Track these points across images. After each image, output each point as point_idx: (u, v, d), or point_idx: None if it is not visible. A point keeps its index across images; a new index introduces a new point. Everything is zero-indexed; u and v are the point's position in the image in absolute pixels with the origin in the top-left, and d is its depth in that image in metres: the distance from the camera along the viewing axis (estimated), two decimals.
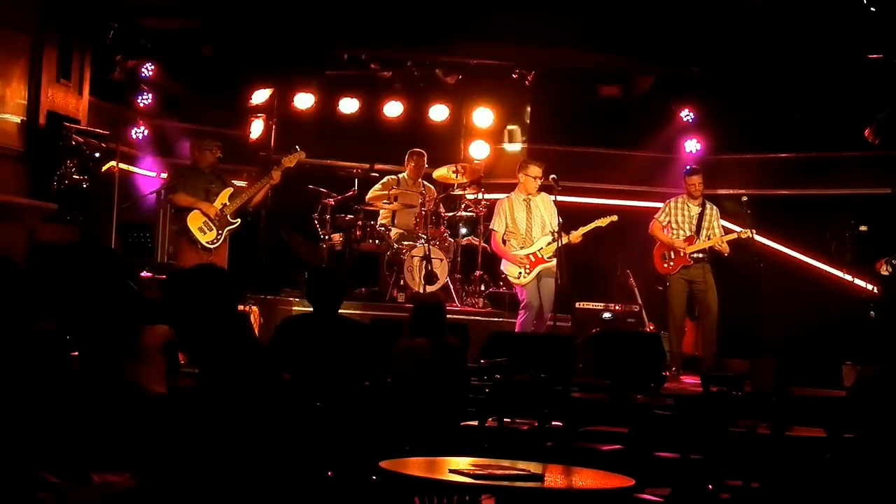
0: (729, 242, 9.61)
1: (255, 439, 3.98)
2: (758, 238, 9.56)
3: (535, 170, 9.52)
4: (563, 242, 9.12)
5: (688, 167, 10.16)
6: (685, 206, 9.84)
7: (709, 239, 9.71)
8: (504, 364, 6.46)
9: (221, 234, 9.06)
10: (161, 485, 3.93)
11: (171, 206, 9.49)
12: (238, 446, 3.92)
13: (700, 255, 9.70)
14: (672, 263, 9.77)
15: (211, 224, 9.01)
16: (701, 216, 9.79)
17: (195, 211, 9.00)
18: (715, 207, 9.87)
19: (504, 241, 9.59)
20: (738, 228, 9.80)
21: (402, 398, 5.80)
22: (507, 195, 9.73)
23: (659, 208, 10.08)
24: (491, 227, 9.74)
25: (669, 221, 9.86)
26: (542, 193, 9.55)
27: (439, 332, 6.13)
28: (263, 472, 4.02)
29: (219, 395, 4.02)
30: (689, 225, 9.79)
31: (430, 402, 5.82)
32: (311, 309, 6.24)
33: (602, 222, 9.56)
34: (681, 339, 9.98)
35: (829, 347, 9.07)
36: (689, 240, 9.74)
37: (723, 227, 9.91)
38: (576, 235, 9.29)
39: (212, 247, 9.00)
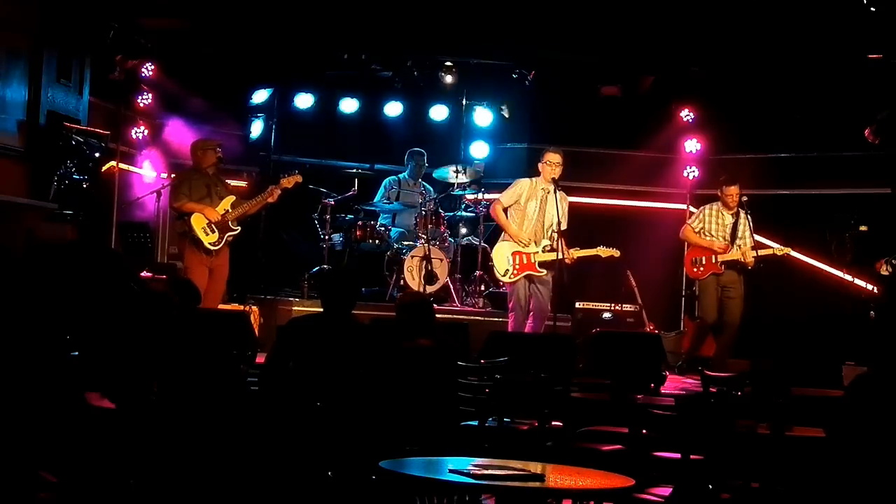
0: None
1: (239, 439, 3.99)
2: (757, 238, 9.53)
3: (554, 157, 9.15)
4: (559, 257, 8.93)
5: (724, 177, 9.90)
6: (720, 215, 9.70)
7: (739, 248, 9.61)
8: (504, 364, 6.45)
9: (222, 239, 9.05)
10: (159, 483, 3.94)
11: (174, 213, 9.48)
12: (225, 446, 3.94)
13: (730, 262, 9.63)
14: (703, 269, 9.67)
15: (213, 227, 9.01)
16: (735, 225, 9.70)
17: (198, 214, 8.99)
18: (748, 217, 9.73)
19: (506, 213, 9.24)
20: (774, 245, 9.68)
21: (404, 398, 5.79)
22: (530, 178, 9.30)
23: (659, 208, 10.03)
24: (500, 195, 9.35)
25: (703, 228, 9.72)
26: (561, 192, 9.14)
27: (428, 332, 6.10)
28: (262, 472, 4.03)
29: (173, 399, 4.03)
30: (722, 234, 9.65)
31: (430, 401, 5.81)
32: (319, 309, 6.23)
33: (603, 252, 9.20)
34: (703, 341, 9.88)
35: (829, 347, 9.06)
36: (724, 248, 9.65)
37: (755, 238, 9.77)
38: (570, 256, 9.09)
39: (213, 248, 8.99)
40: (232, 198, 9.19)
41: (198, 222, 8.98)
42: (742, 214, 9.71)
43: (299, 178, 9.50)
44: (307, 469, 4.97)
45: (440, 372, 5.94)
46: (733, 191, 9.65)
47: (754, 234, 9.64)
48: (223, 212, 9.08)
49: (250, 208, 9.23)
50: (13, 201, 8.63)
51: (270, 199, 9.28)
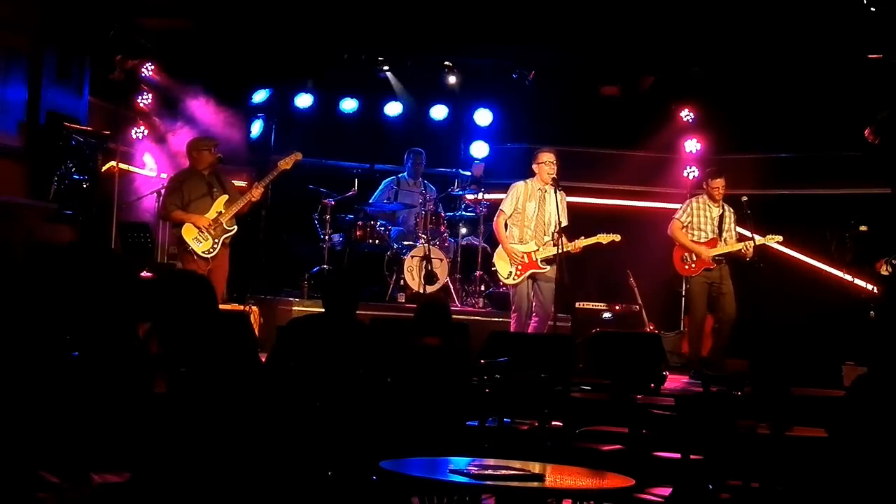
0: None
1: (242, 439, 3.99)
2: (758, 238, 9.53)
3: (547, 156, 9.10)
4: (563, 250, 8.93)
5: (710, 169, 9.91)
6: (706, 208, 9.65)
7: (725, 243, 9.59)
8: (504, 364, 6.45)
9: (218, 242, 8.95)
10: (158, 484, 3.93)
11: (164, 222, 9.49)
12: (228, 445, 3.94)
13: (721, 258, 9.61)
14: (694, 265, 9.58)
15: (206, 234, 8.92)
16: (721, 218, 9.68)
17: (188, 224, 8.91)
18: (731, 209, 9.74)
19: (506, 226, 9.21)
20: (746, 233, 9.66)
21: (407, 398, 5.79)
22: (524, 181, 9.28)
23: (659, 208, 9.98)
24: (501, 206, 9.25)
25: (691, 222, 9.65)
26: (558, 190, 9.03)
27: (446, 332, 6.12)
28: (262, 471, 4.03)
29: (200, 396, 4.05)
30: (710, 227, 9.61)
31: (434, 402, 5.81)
32: (319, 309, 6.23)
33: (604, 239, 9.14)
34: (701, 340, 9.85)
35: (829, 347, 9.06)
36: (712, 242, 9.56)
37: (738, 231, 9.76)
38: (576, 246, 9.09)
39: (208, 256, 8.90)
40: (225, 197, 9.07)
41: (188, 233, 8.88)
42: (726, 207, 9.71)
43: (299, 156, 9.34)
44: (308, 469, 4.97)
45: (446, 371, 5.94)
46: (719, 183, 9.63)
47: (737, 228, 9.65)
48: (216, 214, 8.98)
49: (240, 209, 9.12)
50: (13, 201, 8.64)
51: (253, 199, 9.13)
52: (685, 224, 9.69)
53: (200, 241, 8.89)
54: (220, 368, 4.18)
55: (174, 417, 4.10)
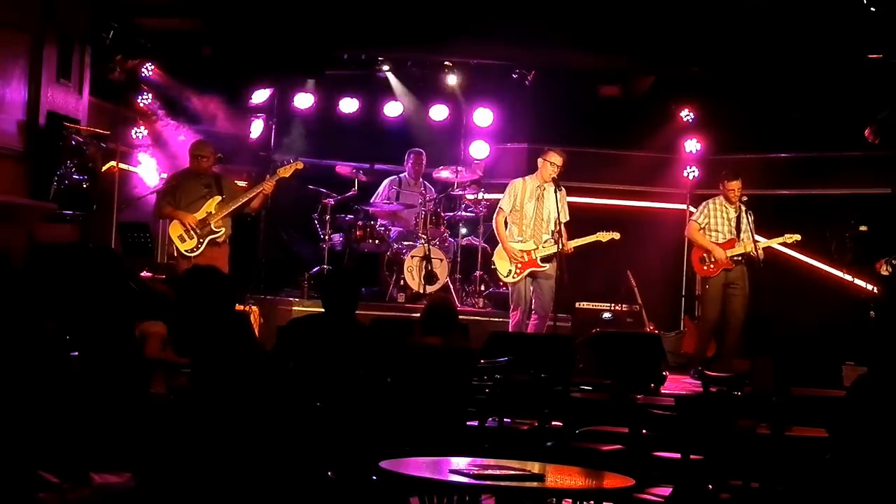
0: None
1: (248, 439, 3.99)
2: (758, 238, 9.53)
3: (556, 158, 9.12)
4: (559, 249, 8.93)
5: (726, 171, 9.85)
6: (723, 209, 9.65)
7: (743, 242, 9.59)
8: (504, 364, 6.45)
9: (203, 242, 9.01)
10: (159, 484, 3.94)
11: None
12: (231, 445, 3.93)
13: (739, 258, 9.59)
14: (713, 266, 9.62)
15: (191, 232, 8.98)
16: (738, 219, 9.66)
17: (175, 222, 9.01)
18: (749, 211, 9.71)
19: (505, 224, 9.25)
20: (762, 239, 9.65)
21: (409, 397, 5.79)
22: (522, 178, 9.38)
23: (659, 208, 9.95)
24: (499, 204, 9.33)
25: (708, 223, 9.66)
26: (558, 189, 9.09)
27: (450, 333, 6.12)
28: (262, 471, 4.03)
29: (208, 395, 4.05)
30: (728, 227, 9.60)
31: (436, 401, 5.81)
32: (319, 309, 6.22)
33: (603, 237, 9.26)
34: (708, 341, 9.86)
35: (829, 347, 9.06)
36: (730, 243, 9.56)
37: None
38: (570, 246, 9.10)
39: (191, 255, 8.95)
40: (217, 198, 9.14)
41: (174, 230, 9.01)
42: (743, 209, 9.70)
43: (300, 165, 9.44)
44: (308, 469, 4.97)
45: (447, 371, 5.94)
46: (735, 185, 9.61)
47: (754, 232, 9.65)
48: (205, 214, 9.04)
49: (247, 202, 9.14)
50: (13, 201, 8.63)
51: (265, 192, 9.18)
52: (702, 226, 9.69)
53: (185, 238, 8.98)
54: (234, 367, 4.17)
55: (188, 418, 4.09)
